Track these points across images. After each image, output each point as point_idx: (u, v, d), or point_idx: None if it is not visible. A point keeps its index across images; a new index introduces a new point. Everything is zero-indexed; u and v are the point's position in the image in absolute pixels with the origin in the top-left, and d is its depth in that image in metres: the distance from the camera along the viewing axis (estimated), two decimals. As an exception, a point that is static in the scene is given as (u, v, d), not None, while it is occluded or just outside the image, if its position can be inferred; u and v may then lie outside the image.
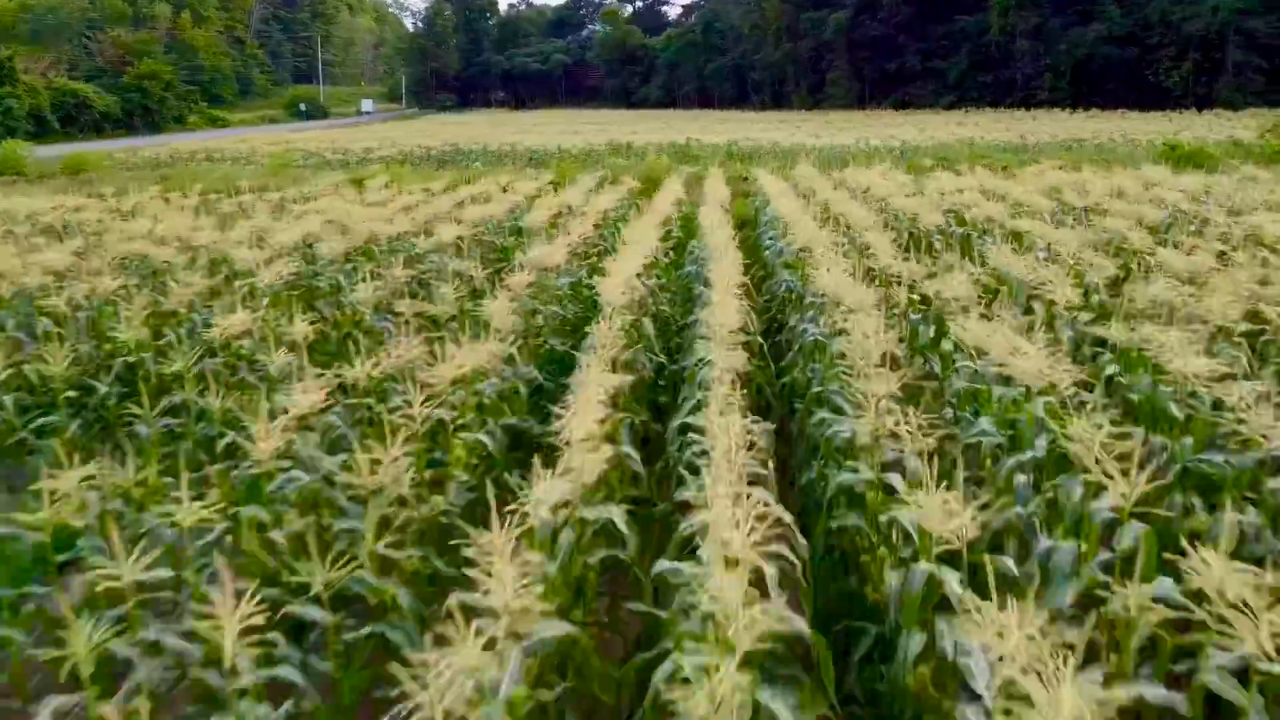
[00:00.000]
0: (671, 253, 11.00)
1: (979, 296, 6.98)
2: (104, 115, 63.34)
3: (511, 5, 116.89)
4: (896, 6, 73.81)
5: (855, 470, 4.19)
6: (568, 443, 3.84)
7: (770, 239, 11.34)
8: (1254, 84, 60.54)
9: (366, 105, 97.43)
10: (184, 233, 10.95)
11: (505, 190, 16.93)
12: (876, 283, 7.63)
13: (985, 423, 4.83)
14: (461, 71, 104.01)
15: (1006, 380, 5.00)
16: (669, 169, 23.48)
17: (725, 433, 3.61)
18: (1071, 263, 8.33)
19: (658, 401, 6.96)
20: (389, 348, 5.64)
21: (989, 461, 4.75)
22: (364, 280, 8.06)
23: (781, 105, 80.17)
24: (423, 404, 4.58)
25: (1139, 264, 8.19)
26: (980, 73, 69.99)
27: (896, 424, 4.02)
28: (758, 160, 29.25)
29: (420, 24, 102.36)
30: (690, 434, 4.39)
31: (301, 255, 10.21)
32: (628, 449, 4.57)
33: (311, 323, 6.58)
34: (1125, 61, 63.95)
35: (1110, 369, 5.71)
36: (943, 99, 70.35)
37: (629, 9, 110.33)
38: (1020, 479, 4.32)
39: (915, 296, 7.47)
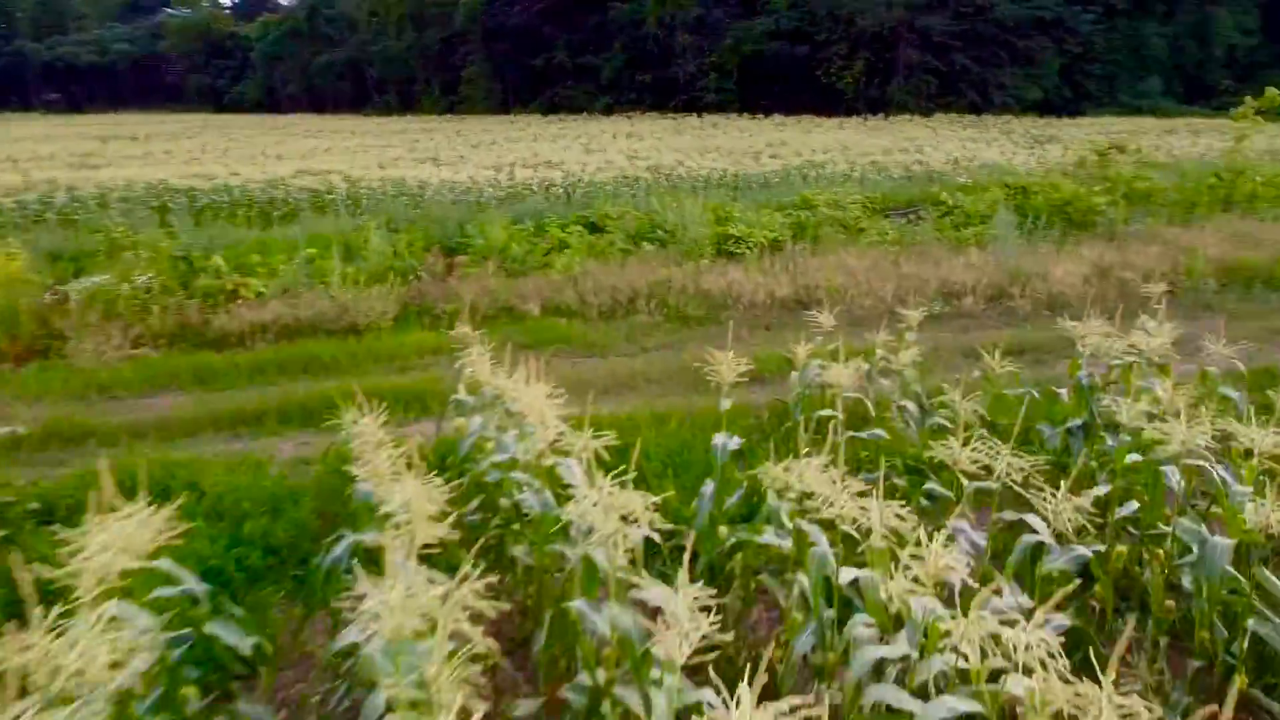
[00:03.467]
0: None
1: None
2: None
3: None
4: (538, -9, 62.17)
5: None
6: None
7: None
8: (928, 87, 55.30)
9: None
10: None
11: None
12: None
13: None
14: (-15, 64, 79.25)
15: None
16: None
17: None
18: None
19: None
20: None
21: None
22: None
23: (411, 108, 65.96)
24: None
25: None
26: (639, 71, 60.03)
27: None
28: (285, 219, 15.38)
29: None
30: None
31: None
32: None
33: None
34: (795, 60, 56.54)
35: None
36: (598, 101, 59.76)
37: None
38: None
39: None
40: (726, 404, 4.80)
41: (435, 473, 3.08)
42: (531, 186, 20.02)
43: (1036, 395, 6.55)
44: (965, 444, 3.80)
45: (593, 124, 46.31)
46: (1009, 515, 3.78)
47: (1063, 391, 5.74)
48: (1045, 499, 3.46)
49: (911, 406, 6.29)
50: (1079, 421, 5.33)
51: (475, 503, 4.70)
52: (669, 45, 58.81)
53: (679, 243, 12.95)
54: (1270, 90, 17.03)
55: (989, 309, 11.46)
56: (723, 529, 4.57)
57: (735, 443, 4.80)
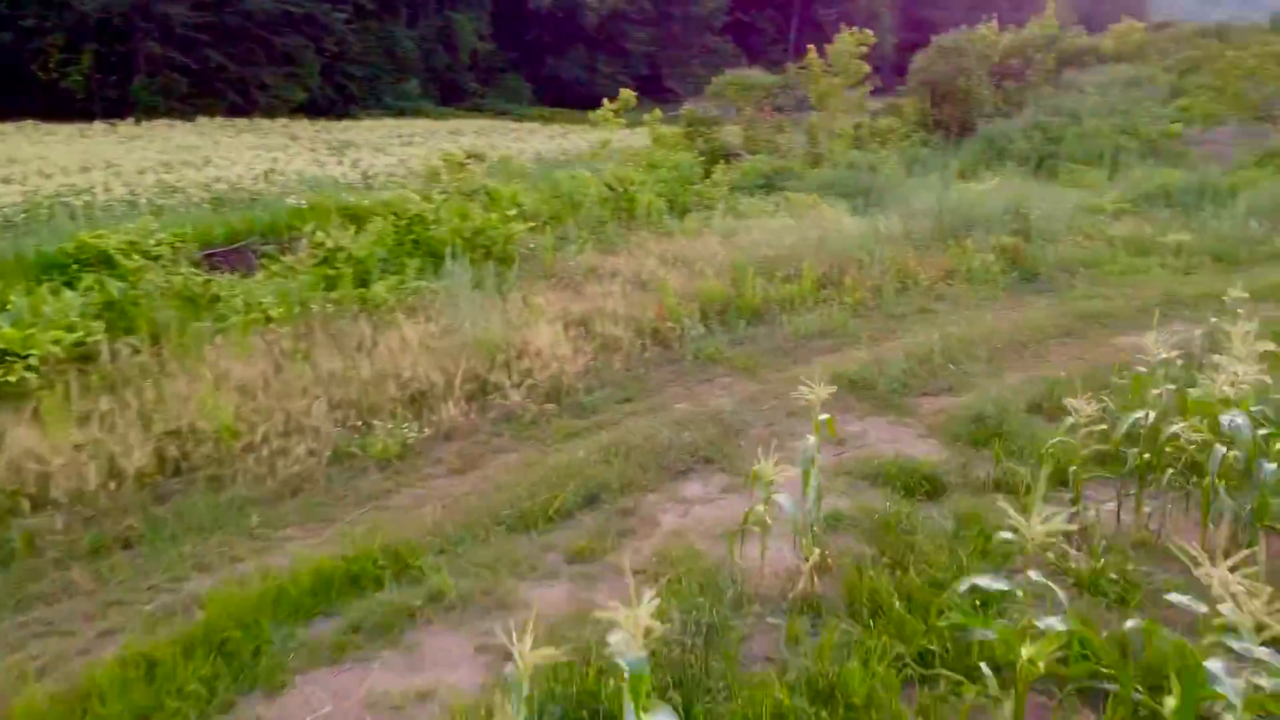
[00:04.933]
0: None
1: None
2: None
3: None
4: None
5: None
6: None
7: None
8: (178, 85, 48.26)
9: None
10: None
11: None
12: None
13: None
14: None
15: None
16: None
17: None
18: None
19: None
20: None
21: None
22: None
23: None
24: None
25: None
26: None
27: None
28: None
29: None
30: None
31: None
32: None
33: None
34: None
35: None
36: None
37: None
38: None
39: None
40: None
41: None
42: None
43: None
44: None
45: None
46: None
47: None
48: None
49: None
50: None
51: None
52: None
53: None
54: (625, 92, 15.88)
55: (480, 417, 7.50)
56: None
57: None
